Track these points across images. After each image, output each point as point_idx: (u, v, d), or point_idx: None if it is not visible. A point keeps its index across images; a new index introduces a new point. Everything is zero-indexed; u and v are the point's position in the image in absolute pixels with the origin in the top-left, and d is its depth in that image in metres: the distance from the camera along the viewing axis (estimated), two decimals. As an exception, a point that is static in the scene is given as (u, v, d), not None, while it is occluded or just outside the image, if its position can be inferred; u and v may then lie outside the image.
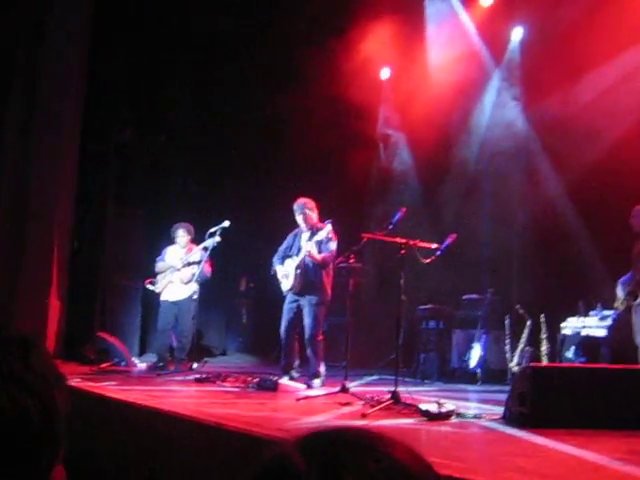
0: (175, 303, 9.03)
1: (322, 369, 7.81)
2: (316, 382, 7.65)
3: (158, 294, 9.20)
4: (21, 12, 9.87)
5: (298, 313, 7.92)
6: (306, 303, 7.84)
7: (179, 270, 9.02)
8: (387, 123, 11.79)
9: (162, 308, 9.16)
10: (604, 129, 8.88)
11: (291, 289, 7.88)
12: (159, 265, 9.24)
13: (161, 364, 8.95)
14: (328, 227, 7.45)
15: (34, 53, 9.95)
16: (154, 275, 9.30)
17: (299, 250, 7.94)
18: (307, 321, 7.82)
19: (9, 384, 1.09)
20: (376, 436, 0.96)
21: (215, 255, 8.90)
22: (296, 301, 7.92)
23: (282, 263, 8.05)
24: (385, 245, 6.99)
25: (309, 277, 7.82)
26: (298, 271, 7.82)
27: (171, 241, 9.28)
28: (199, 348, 9.79)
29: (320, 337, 7.86)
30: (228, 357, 12.32)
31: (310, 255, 7.65)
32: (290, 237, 8.20)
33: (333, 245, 7.74)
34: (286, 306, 7.99)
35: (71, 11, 10.09)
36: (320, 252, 7.73)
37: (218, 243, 8.58)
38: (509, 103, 10.52)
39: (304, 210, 7.93)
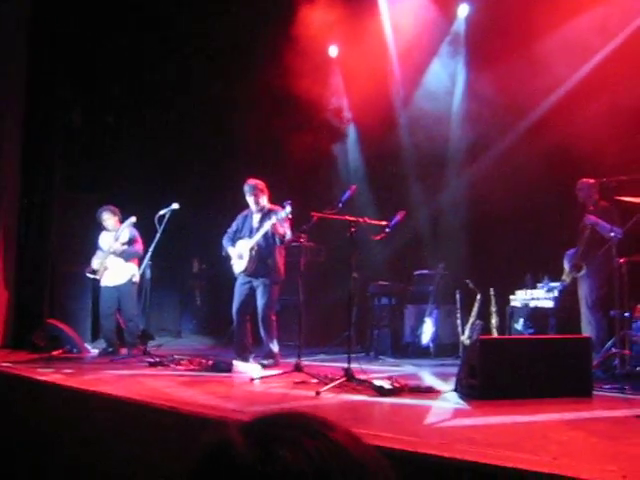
0: (116, 288, 8.96)
1: (275, 348, 7.84)
2: (269, 361, 7.68)
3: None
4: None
5: (251, 294, 7.93)
6: (260, 284, 7.86)
7: (111, 254, 8.95)
8: (335, 102, 11.76)
9: (103, 293, 9.10)
10: (545, 102, 9.06)
11: (244, 270, 7.87)
12: (96, 255, 9.15)
13: (110, 349, 8.89)
14: (288, 208, 7.44)
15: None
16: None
17: (251, 231, 7.93)
18: (261, 302, 7.83)
19: None
20: (317, 419, 0.97)
21: (166, 238, 8.81)
22: (249, 282, 7.92)
23: (233, 245, 8.02)
24: (335, 223, 7.01)
25: (263, 258, 7.83)
26: (252, 252, 7.81)
27: (101, 228, 9.19)
28: (150, 330, 9.71)
29: (273, 317, 7.89)
30: (183, 339, 12.26)
31: (275, 229, 7.59)
32: (240, 218, 8.17)
33: (288, 228, 7.75)
34: (238, 288, 7.98)
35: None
36: (274, 233, 7.74)
37: (165, 221, 8.46)
38: (453, 79, 10.63)
39: (255, 191, 7.91)
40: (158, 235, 8.54)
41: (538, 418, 4.57)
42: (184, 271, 13.08)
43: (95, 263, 9.06)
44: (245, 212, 8.13)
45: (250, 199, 7.96)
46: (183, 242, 11.81)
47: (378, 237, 6.72)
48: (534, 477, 2.95)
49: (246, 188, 7.97)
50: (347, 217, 6.55)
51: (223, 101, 10.74)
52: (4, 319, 9.74)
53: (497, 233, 9.62)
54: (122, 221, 9.02)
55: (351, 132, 11.78)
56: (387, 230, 6.70)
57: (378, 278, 10.04)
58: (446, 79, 10.73)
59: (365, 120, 10.78)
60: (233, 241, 8.06)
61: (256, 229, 7.88)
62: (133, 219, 8.86)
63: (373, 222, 6.73)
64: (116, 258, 8.95)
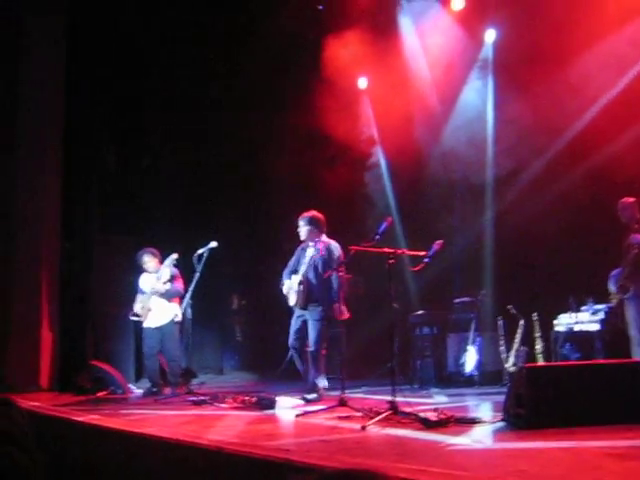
0: (158, 328, 9.02)
1: (321, 384, 7.79)
2: (313, 396, 7.62)
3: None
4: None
5: (304, 326, 7.94)
6: (310, 318, 7.86)
7: (154, 294, 9.01)
8: (366, 134, 11.80)
9: (146, 334, 9.19)
10: (582, 122, 8.98)
11: (295, 304, 7.90)
12: (138, 297, 9.25)
13: (155, 389, 8.92)
14: (319, 245, 7.51)
15: (12, 82, 9.96)
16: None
17: (302, 265, 7.95)
18: (311, 336, 7.84)
19: (6, 444, 1.09)
20: (375, 477, 0.97)
21: (205, 275, 8.87)
22: (302, 315, 7.95)
23: (289, 278, 8.06)
24: (373, 255, 7.00)
25: (311, 292, 7.84)
26: (300, 287, 7.84)
27: (141, 270, 9.29)
28: (192, 369, 9.77)
29: (323, 352, 7.85)
30: (225, 376, 12.28)
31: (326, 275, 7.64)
32: (298, 251, 8.20)
33: (337, 260, 7.76)
34: (293, 320, 8.02)
35: (46, 36, 10.13)
36: (325, 267, 7.76)
37: (204, 260, 8.53)
38: (484, 106, 10.60)
39: (304, 225, 7.94)
40: (197, 274, 8.60)
41: (590, 447, 4.44)
42: (224, 308, 13.14)
43: (137, 307, 9.14)
44: (303, 245, 8.16)
45: (301, 231, 7.98)
46: (222, 279, 11.88)
47: (417, 268, 6.67)
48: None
49: (299, 221, 8.00)
50: (385, 249, 6.52)
51: (256, 139, 10.85)
52: (50, 361, 9.85)
53: (538, 257, 9.51)
54: (162, 262, 9.11)
55: (383, 163, 11.78)
56: (426, 260, 6.66)
57: (418, 308, 9.97)
58: (478, 105, 10.70)
59: (397, 150, 10.79)
60: (290, 274, 8.08)
61: (307, 263, 7.91)
62: (175, 256, 8.93)
63: (411, 253, 6.70)
64: (159, 298, 9.03)
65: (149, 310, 9.05)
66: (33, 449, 1.11)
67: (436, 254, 6.70)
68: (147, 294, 9.07)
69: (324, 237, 8.00)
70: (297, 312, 7.99)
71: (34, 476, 1.11)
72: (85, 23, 10.24)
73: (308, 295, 7.85)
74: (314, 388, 7.75)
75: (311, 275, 7.87)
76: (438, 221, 10.39)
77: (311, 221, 7.96)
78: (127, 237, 11.19)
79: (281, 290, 8.14)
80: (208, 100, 11.19)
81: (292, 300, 7.96)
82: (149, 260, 9.17)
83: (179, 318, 8.97)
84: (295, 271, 8.05)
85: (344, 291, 7.88)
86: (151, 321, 9.06)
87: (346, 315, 7.78)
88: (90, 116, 10.50)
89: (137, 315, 9.16)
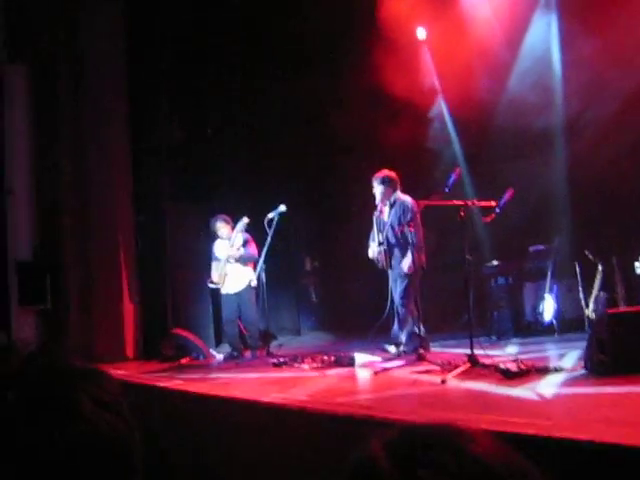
0: (236, 294, 9.17)
1: (404, 338, 7.78)
2: (391, 348, 7.65)
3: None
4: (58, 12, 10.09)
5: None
6: (396, 276, 7.86)
7: (229, 262, 9.16)
8: (427, 85, 11.58)
9: (224, 301, 9.34)
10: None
11: (383, 267, 7.90)
12: (213, 264, 9.40)
13: (235, 353, 9.09)
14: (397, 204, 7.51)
15: (76, 65, 10.20)
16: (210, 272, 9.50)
17: (384, 226, 7.94)
18: (397, 291, 7.83)
19: (104, 411, 1.14)
20: (457, 432, 0.98)
21: (277, 239, 8.98)
22: (393, 275, 7.89)
23: (374, 242, 8.04)
24: (441, 208, 6.94)
25: (392, 252, 7.85)
26: (381, 248, 7.85)
27: (215, 237, 9.43)
28: (271, 332, 9.94)
29: (410, 306, 7.76)
30: (302, 337, 12.45)
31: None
32: (375, 218, 8.04)
33: (410, 214, 7.71)
34: (392, 286, 7.90)
35: (105, 19, 10.31)
36: (402, 229, 7.73)
37: (275, 224, 8.62)
38: (551, 49, 10.23)
39: (378, 184, 7.90)
40: (269, 239, 8.71)
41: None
42: (297, 270, 13.27)
43: (214, 274, 9.31)
44: (376, 212, 8.03)
45: (377, 191, 7.94)
46: (293, 242, 11.99)
47: (488, 219, 6.60)
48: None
49: (374, 181, 7.96)
50: (455, 202, 6.46)
51: (319, 99, 10.79)
52: (134, 332, 10.19)
53: (613, 199, 9.21)
54: (234, 228, 9.23)
55: (446, 113, 11.54)
56: (497, 211, 6.56)
57: (492, 258, 9.84)
58: (544, 47, 10.33)
59: (461, 100, 10.54)
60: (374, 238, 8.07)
61: (385, 223, 7.90)
62: (246, 220, 8.98)
63: (482, 204, 6.61)
64: (234, 264, 9.17)
65: (225, 276, 9.21)
66: (128, 415, 1.17)
67: (507, 203, 6.61)
68: (222, 261, 9.22)
69: (399, 194, 7.93)
70: (390, 274, 7.91)
71: (131, 440, 1.16)
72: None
73: (390, 255, 7.85)
74: (397, 342, 7.77)
75: (390, 234, 7.85)
76: (508, 169, 10.15)
77: (384, 181, 7.88)
78: (197, 205, 11.38)
79: (353, 249, 8.13)
80: (269, 66, 11.17)
81: (379, 264, 7.96)
82: (222, 226, 9.29)
83: (254, 283, 9.10)
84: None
85: (420, 242, 7.79)
86: (228, 287, 9.23)
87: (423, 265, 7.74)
88: (154, 86, 10.64)
89: (214, 282, 9.34)
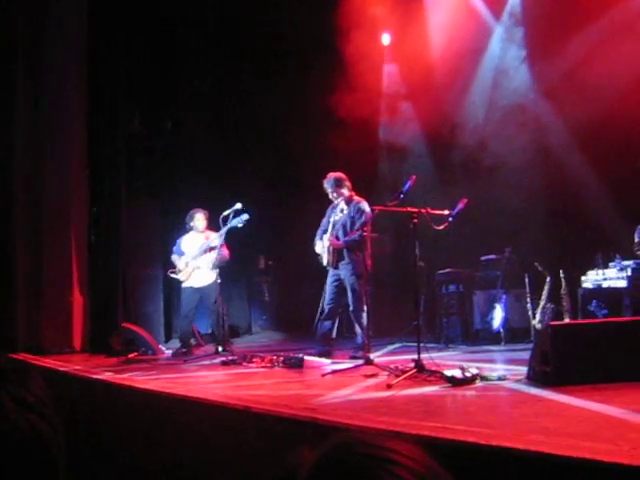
0: (199, 289, 9.12)
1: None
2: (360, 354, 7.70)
3: (179, 280, 9.32)
4: (20, 12, 9.90)
5: (340, 288, 7.99)
6: (344, 276, 7.92)
7: (201, 257, 9.09)
8: (391, 90, 11.68)
9: (185, 294, 9.26)
10: (612, 78, 8.76)
11: (327, 264, 7.96)
12: (176, 256, 9.35)
13: (184, 350, 9.04)
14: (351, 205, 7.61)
15: (35, 52, 10.01)
16: (172, 264, 9.42)
17: (334, 225, 8.00)
18: (349, 295, 7.91)
19: (26, 411, 1.13)
20: (389, 448, 0.97)
21: (231, 236, 8.97)
22: (337, 276, 7.99)
23: (321, 238, 8.12)
24: (398, 214, 7.00)
25: (341, 251, 7.90)
26: (330, 247, 7.90)
27: (183, 230, 9.37)
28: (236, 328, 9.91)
29: (364, 308, 7.79)
30: (253, 336, 12.44)
31: (333, 244, 7.76)
32: (329, 210, 8.25)
33: (366, 220, 7.80)
34: (328, 282, 8.03)
35: (68, 6, 10.14)
36: (352, 228, 7.80)
37: (241, 224, 8.61)
38: (512, 61, 10.40)
39: (331, 186, 7.97)
40: (223, 235, 8.71)
41: (615, 405, 4.45)
42: (251, 268, 13.24)
43: (181, 265, 9.20)
44: (333, 204, 8.18)
45: (329, 193, 8.02)
46: (248, 240, 11.96)
47: (441, 227, 6.67)
48: (612, 468, 2.88)
49: (325, 184, 8.03)
50: (409, 209, 6.52)
51: (277, 105, 10.79)
52: (82, 324, 10.05)
53: (564, 214, 9.41)
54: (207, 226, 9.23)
55: (410, 119, 11.63)
56: (450, 219, 6.64)
57: (444, 266, 9.96)
58: (505, 58, 10.51)
59: (423, 107, 10.67)
60: (322, 235, 8.14)
61: (337, 222, 7.97)
62: (245, 217, 8.72)
63: (435, 212, 6.68)
64: (205, 259, 9.08)
65: (196, 269, 9.11)
66: (51, 415, 1.15)
67: (460, 212, 6.69)
68: (196, 254, 9.13)
69: (355, 196, 8.02)
70: (331, 273, 8.02)
71: (54, 441, 1.15)
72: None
73: (339, 254, 7.89)
74: (363, 347, 7.82)
75: (340, 234, 7.93)
76: (465, 180, 10.28)
77: (336, 182, 7.98)
78: (153, 200, 11.28)
79: (308, 250, 8.19)
80: (234, 65, 11.14)
81: (325, 260, 8.01)
82: (202, 219, 9.20)
83: (220, 279, 9.08)
84: (326, 231, 8.10)
85: (369, 247, 7.88)
86: (194, 281, 9.14)
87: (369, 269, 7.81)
88: (114, 80, 10.50)
89: (176, 273, 9.23)
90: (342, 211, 7.94)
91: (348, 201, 7.97)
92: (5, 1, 9.77)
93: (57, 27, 10.07)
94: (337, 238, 7.94)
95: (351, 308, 7.90)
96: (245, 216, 8.65)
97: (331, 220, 8.05)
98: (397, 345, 9.10)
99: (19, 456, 1.09)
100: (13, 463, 1.09)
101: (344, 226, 7.93)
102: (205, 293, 9.11)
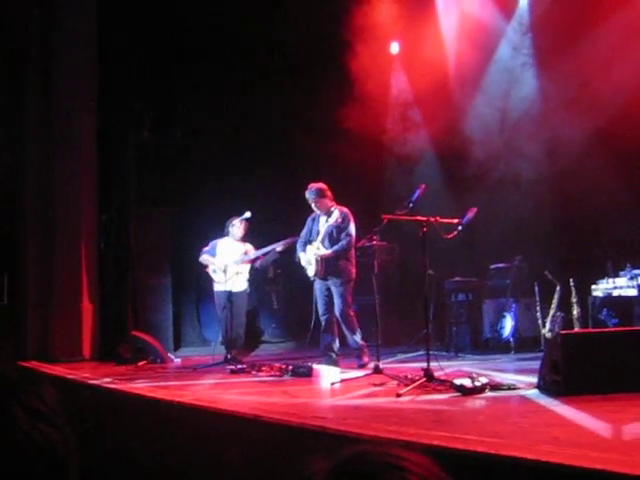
0: (234, 293, 9.00)
1: (359, 339, 7.93)
2: (362, 359, 7.81)
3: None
4: (30, 19, 9.99)
5: (330, 295, 7.99)
6: (332, 285, 7.92)
7: (243, 265, 9.11)
8: (400, 99, 11.68)
9: (221, 297, 9.08)
10: (624, 85, 8.74)
11: (315, 275, 7.95)
12: (208, 256, 9.25)
13: (230, 355, 8.73)
14: (336, 213, 7.72)
15: (46, 56, 10.09)
16: (200, 264, 9.39)
17: (318, 234, 8.00)
18: (337, 302, 7.92)
19: (38, 421, 1.13)
20: (402, 457, 0.98)
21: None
22: (326, 286, 8.00)
23: (304, 250, 8.10)
24: (408, 222, 6.99)
25: (330, 262, 7.89)
26: (318, 258, 7.88)
27: (220, 234, 9.33)
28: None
29: (351, 312, 7.96)
30: (263, 344, 12.42)
31: (321, 256, 7.78)
32: (309, 221, 8.24)
33: (352, 229, 7.82)
34: (318, 292, 8.06)
35: (78, 13, 10.21)
36: (339, 237, 7.83)
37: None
38: (521, 69, 10.39)
39: (314, 197, 7.96)
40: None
41: (627, 414, 4.42)
42: (260, 277, 13.24)
43: (220, 264, 9.08)
44: (314, 214, 8.18)
45: (313, 205, 8.02)
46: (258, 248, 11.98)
47: (450, 235, 6.65)
48: (624, 479, 2.86)
49: (307, 195, 8.02)
50: (418, 217, 6.50)
51: (285, 103, 10.82)
52: (91, 332, 10.07)
53: (574, 222, 9.38)
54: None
55: (420, 128, 11.61)
56: (459, 228, 6.63)
57: (454, 274, 9.93)
58: (514, 67, 10.50)
59: (432, 116, 10.66)
60: (304, 245, 8.13)
61: (320, 232, 7.97)
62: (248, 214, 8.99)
63: (445, 221, 6.66)
64: (240, 266, 9.09)
65: (239, 274, 9.08)
66: (63, 425, 1.16)
67: (470, 221, 6.67)
68: (238, 260, 9.09)
69: (336, 205, 8.01)
70: (318, 283, 8.02)
71: (66, 451, 1.15)
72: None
73: (327, 264, 7.88)
74: (358, 347, 7.87)
75: (327, 244, 7.91)
76: (476, 188, 10.25)
77: (318, 192, 7.96)
78: (164, 208, 11.30)
79: (300, 262, 8.18)
80: (243, 76, 11.19)
81: (311, 271, 7.99)
82: (239, 226, 9.16)
83: (249, 290, 9.16)
84: (309, 242, 8.08)
85: (354, 255, 8.01)
86: (231, 285, 9.00)
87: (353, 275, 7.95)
88: (124, 88, 10.56)
89: (216, 271, 9.14)
90: (327, 221, 7.93)
91: (330, 211, 7.95)
92: (17, 2, 9.85)
93: (69, 35, 10.15)
94: (325, 249, 7.92)
95: (339, 314, 7.92)
96: (247, 214, 8.82)
97: (316, 230, 8.04)
98: (407, 354, 9.06)
99: (32, 466, 1.10)
100: (26, 473, 1.09)
101: (330, 235, 7.93)
102: (237, 299, 9.06)
